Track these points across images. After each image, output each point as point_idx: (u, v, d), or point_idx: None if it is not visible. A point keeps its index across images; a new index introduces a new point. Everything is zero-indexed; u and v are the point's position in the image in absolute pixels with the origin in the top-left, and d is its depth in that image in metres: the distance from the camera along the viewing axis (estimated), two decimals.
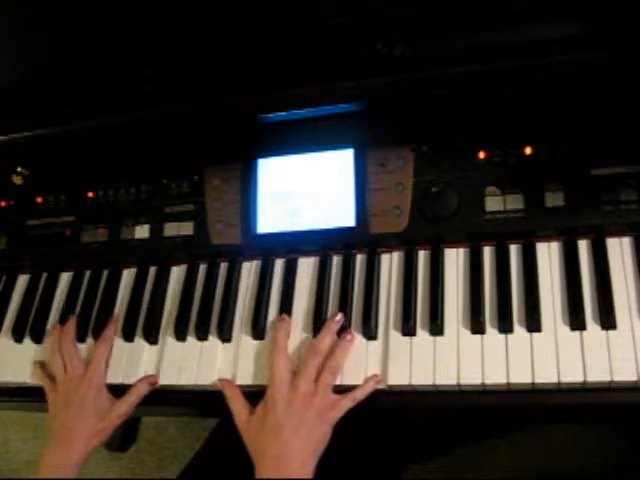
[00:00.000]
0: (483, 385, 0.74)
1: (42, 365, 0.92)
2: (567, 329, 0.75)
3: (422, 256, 0.85)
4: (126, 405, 0.86)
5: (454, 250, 0.84)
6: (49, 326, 0.98)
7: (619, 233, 0.79)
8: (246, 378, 0.84)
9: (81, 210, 1.01)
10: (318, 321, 0.84)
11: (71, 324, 0.93)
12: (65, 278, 1.02)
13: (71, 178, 1.04)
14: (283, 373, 0.78)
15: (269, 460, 0.74)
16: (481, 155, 0.84)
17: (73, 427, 0.83)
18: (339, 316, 0.82)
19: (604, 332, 0.73)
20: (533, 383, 0.73)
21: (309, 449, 0.74)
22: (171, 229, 0.95)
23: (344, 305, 0.84)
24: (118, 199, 1.00)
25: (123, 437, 1.64)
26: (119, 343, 0.92)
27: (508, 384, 0.74)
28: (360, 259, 0.88)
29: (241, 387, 0.83)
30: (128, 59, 0.90)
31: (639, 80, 0.76)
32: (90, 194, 1.01)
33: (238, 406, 0.80)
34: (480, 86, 0.81)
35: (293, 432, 0.74)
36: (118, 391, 0.88)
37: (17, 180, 1.04)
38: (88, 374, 0.86)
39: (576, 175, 0.80)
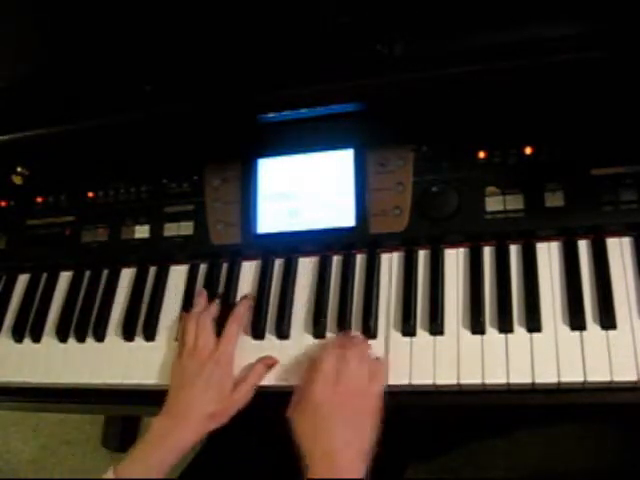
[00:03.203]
0: (483, 385, 0.74)
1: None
2: (567, 329, 0.75)
3: (422, 256, 0.85)
4: (247, 386, 0.81)
5: (454, 250, 0.84)
6: (49, 326, 0.97)
7: (619, 233, 0.79)
8: None
9: (81, 210, 1.01)
10: (318, 321, 0.84)
11: (214, 307, 0.88)
12: (65, 278, 1.02)
13: (71, 178, 1.04)
14: (332, 368, 0.75)
15: (319, 460, 0.70)
16: (481, 155, 0.84)
17: (192, 405, 0.79)
18: None
19: (604, 332, 0.73)
20: (533, 383, 0.73)
21: (357, 447, 0.71)
22: (171, 229, 0.95)
23: (344, 305, 0.84)
24: (118, 199, 1.00)
25: (123, 437, 1.64)
26: (119, 343, 0.92)
27: (508, 384, 0.74)
28: (360, 259, 0.88)
29: None
30: (128, 59, 0.91)
31: (639, 80, 0.76)
32: (90, 194, 1.01)
33: None
34: (480, 86, 0.81)
35: (341, 430, 0.71)
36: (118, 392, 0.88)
37: (17, 180, 1.04)
38: (216, 354, 0.82)
39: (576, 175, 0.80)
